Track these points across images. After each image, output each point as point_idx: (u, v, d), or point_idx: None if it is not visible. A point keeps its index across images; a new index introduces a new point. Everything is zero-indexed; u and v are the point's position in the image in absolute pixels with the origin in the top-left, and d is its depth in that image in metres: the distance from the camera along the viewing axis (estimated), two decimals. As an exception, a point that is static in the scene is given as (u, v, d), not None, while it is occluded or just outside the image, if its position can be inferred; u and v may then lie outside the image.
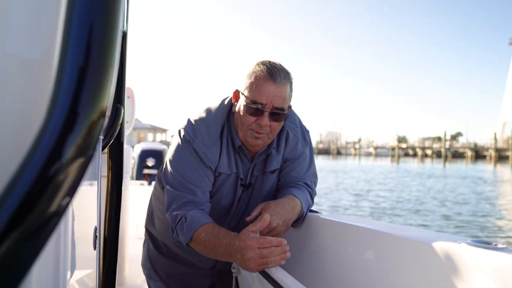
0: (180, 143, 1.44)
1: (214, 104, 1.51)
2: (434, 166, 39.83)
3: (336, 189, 16.49)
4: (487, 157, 55.11)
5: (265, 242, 1.18)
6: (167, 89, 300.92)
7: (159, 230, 1.67)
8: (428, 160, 55.36)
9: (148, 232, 1.78)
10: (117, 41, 0.35)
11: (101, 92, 0.34)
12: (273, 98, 1.33)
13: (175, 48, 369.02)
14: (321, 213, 1.58)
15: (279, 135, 1.53)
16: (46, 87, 0.41)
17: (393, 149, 64.17)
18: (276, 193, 1.60)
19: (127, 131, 3.22)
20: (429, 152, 63.69)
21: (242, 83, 1.41)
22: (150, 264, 1.77)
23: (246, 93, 1.37)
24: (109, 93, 0.35)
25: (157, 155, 6.52)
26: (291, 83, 1.41)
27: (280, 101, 1.35)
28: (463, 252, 0.91)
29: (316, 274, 1.56)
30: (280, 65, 1.39)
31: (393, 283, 1.18)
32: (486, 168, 36.84)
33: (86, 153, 0.33)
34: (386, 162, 49.52)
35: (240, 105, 1.39)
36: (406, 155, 72.42)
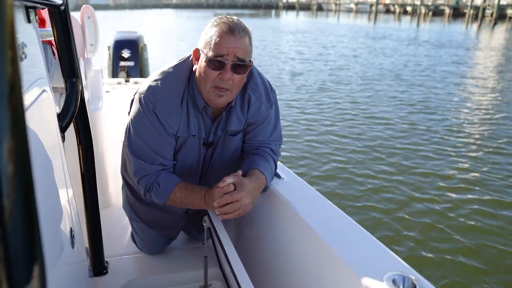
0: (141, 110, 1.43)
1: (173, 66, 1.49)
2: (409, 26, 39.37)
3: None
4: (466, 16, 53.40)
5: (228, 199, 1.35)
6: None
7: (133, 179, 1.59)
8: (407, 19, 53.91)
9: (124, 179, 1.78)
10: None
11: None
12: (234, 49, 1.32)
13: None
14: (283, 179, 1.60)
15: (242, 99, 1.53)
16: None
17: (371, 5, 60.73)
18: (241, 155, 1.64)
19: (92, 55, 3.03)
20: (409, 9, 61.24)
21: (201, 41, 1.39)
22: (130, 208, 1.82)
23: (206, 49, 1.35)
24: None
25: (132, 45, 6.18)
26: (250, 37, 1.38)
27: (241, 52, 1.34)
28: None
29: (253, 245, 1.64)
30: (238, 19, 1.38)
31: None
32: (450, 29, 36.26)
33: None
34: (364, 21, 48.61)
35: (201, 62, 1.37)
36: (388, 11, 68.09)
